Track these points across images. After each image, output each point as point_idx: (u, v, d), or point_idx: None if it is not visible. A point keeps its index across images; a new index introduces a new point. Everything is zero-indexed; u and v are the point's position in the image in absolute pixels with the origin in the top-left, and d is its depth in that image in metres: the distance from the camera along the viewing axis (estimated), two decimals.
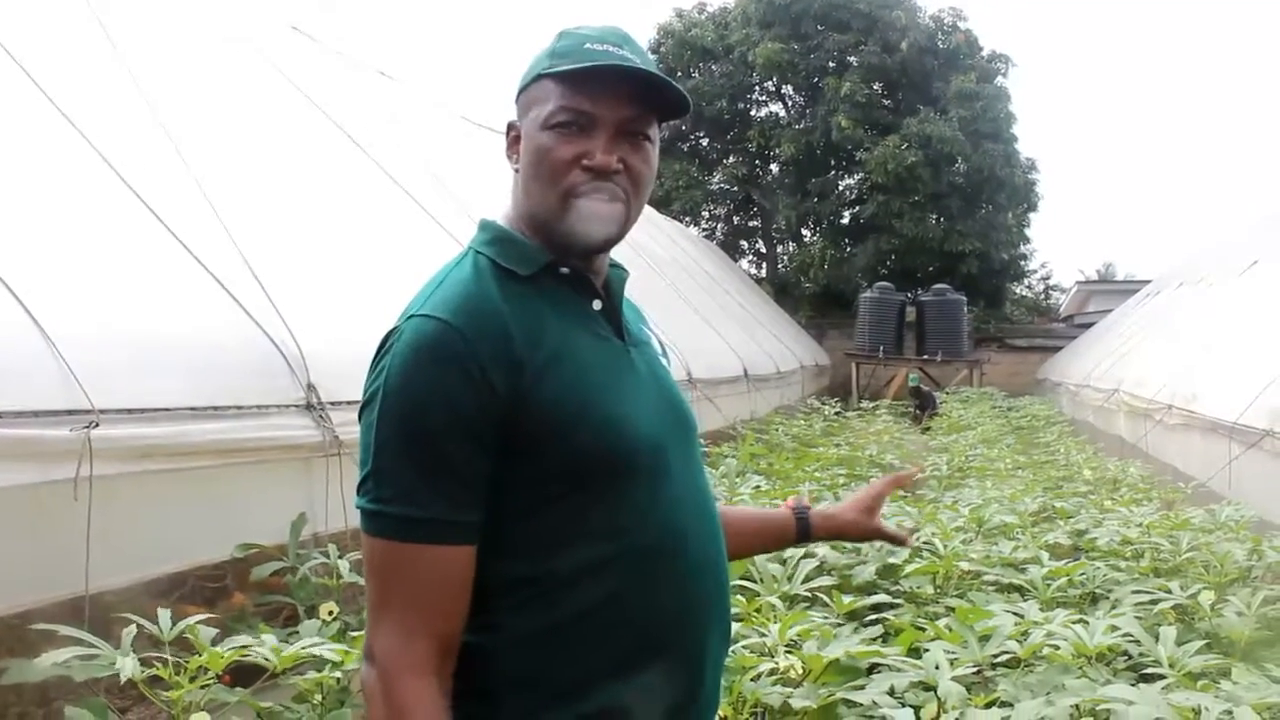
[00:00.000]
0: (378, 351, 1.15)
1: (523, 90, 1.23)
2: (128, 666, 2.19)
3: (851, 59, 23.70)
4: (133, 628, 2.40)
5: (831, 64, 23.86)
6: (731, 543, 1.48)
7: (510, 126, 1.26)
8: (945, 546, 3.88)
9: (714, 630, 1.25)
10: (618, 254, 1.31)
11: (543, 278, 1.20)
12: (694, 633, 1.21)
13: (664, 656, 1.17)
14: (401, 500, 1.09)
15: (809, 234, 26.29)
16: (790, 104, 26.16)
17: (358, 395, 1.16)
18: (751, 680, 2.42)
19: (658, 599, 1.17)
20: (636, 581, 1.15)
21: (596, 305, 1.24)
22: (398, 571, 1.10)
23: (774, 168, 26.64)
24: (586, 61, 1.16)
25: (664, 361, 1.34)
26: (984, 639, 2.66)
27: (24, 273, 3.11)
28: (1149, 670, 2.63)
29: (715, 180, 26.86)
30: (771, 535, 1.60)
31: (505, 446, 1.11)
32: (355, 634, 2.67)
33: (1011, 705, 2.30)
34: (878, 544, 4.07)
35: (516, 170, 1.23)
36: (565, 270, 1.22)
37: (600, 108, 1.17)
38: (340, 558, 3.41)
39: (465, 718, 1.12)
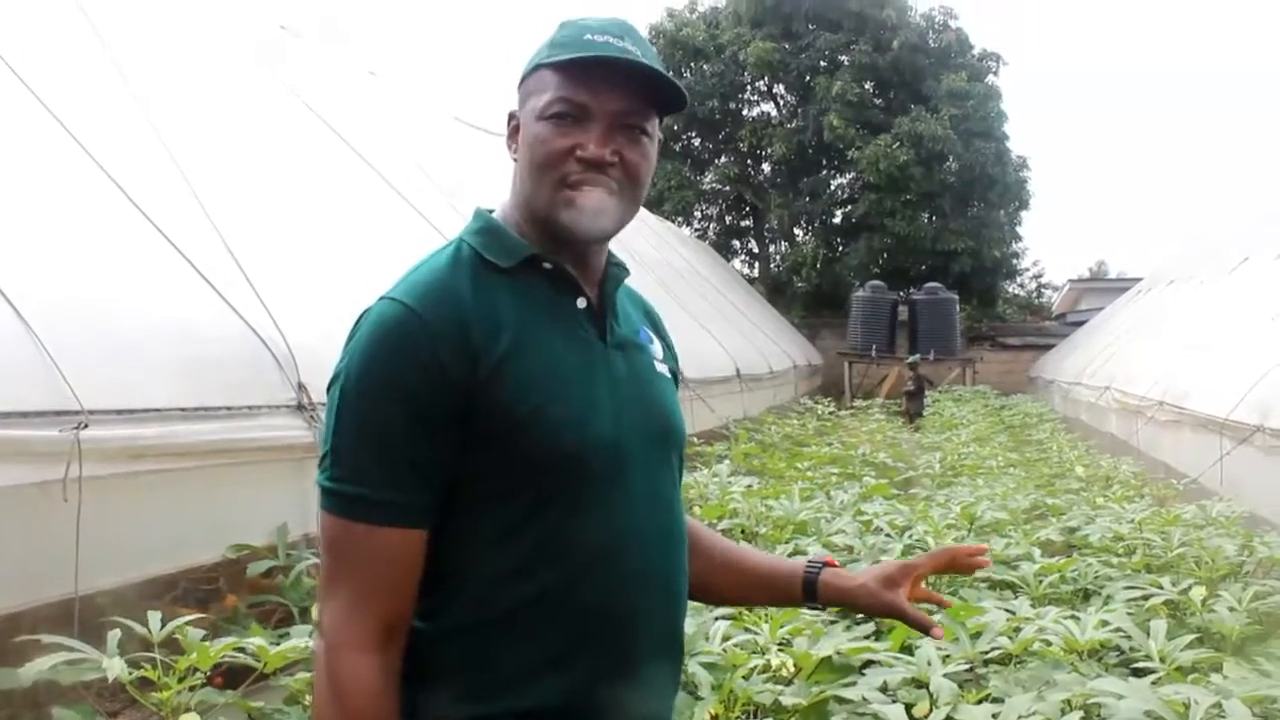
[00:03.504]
0: (351, 330, 1.17)
1: (523, 80, 1.23)
2: (115, 667, 2.17)
3: (843, 58, 23.74)
4: (118, 631, 2.38)
5: (823, 63, 23.90)
6: (733, 585, 1.45)
7: (511, 116, 1.25)
8: (937, 544, 3.88)
9: (653, 645, 1.21)
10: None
11: (523, 271, 1.19)
12: (627, 644, 1.18)
13: (596, 661, 1.15)
14: (354, 480, 1.10)
15: (801, 233, 26.32)
16: (782, 103, 26.19)
17: None
18: (743, 678, 2.41)
19: (590, 603, 1.15)
20: (570, 583, 1.14)
21: (581, 304, 1.22)
22: (347, 549, 1.11)
23: (766, 167, 26.66)
24: (584, 52, 1.15)
25: (661, 367, 1.31)
26: (976, 635, 2.67)
27: (12, 272, 3.09)
28: (1140, 665, 2.64)
29: (707, 180, 26.87)
30: (778, 586, 1.45)
31: (461, 439, 1.11)
32: None
33: (1003, 701, 2.30)
34: (870, 542, 4.08)
35: (516, 160, 1.23)
36: (548, 266, 1.21)
37: (596, 99, 1.16)
38: None
39: (409, 701, 1.13)
